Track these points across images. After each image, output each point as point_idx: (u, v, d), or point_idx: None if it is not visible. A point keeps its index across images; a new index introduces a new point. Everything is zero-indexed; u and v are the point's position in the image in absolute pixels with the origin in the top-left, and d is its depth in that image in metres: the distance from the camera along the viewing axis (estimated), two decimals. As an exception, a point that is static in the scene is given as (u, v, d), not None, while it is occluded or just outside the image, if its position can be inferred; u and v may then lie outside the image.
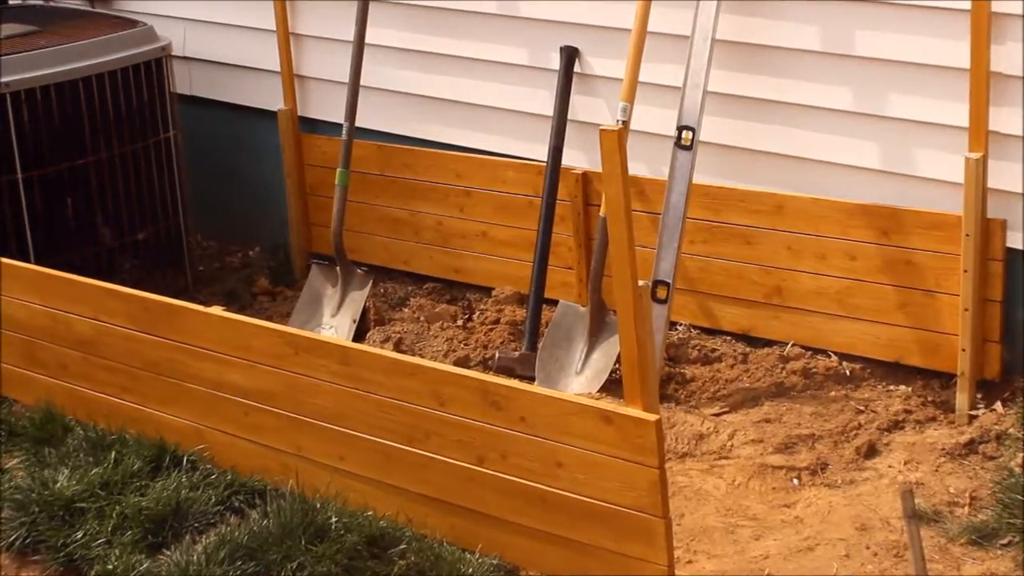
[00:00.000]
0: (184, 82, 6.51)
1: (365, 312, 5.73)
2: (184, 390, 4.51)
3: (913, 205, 4.81)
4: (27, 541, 4.18)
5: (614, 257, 3.72)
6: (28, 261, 5.37)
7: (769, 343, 5.15)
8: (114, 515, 4.19)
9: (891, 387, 4.90)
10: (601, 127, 3.63)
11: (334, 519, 4.06)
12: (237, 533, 4.07)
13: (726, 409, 4.87)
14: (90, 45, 5.77)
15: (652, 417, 3.64)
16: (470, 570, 3.88)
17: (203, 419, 4.51)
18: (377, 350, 4.28)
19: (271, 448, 4.36)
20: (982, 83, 4.49)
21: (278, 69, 6.19)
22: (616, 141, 3.60)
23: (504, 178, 5.65)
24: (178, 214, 6.18)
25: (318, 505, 4.13)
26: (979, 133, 4.54)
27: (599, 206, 5.24)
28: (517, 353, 5.25)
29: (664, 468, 3.64)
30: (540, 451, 3.81)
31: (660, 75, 5.19)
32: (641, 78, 5.08)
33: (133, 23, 6.03)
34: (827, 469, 4.45)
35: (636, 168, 5.25)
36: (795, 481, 4.40)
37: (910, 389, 4.85)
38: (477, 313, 5.66)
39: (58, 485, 4.35)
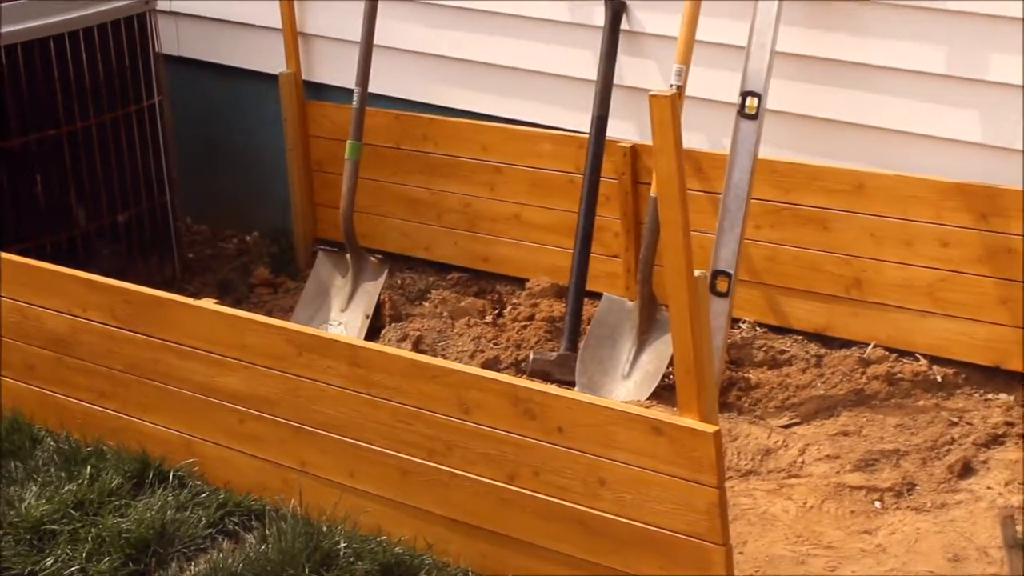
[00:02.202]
0: (171, 41, 6.54)
1: (379, 306, 5.75)
2: (171, 395, 4.54)
3: (1016, 183, 4.79)
4: (-10, 568, 4.23)
5: (666, 243, 3.72)
6: (-8, 247, 5.42)
7: (847, 344, 5.15)
8: (89, 539, 4.22)
9: (989, 396, 4.89)
10: (651, 92, 3.63)
11: (343, 544, 4.08)
12: (231, 560, 4.09)
13: (797, 420, 4.87)
14: (62, -2, 5.81)
15: (710, 428, 3.64)
16: (499, 604, 3.90)
17: (192, 429, 4.54)
18: (393, 350, 4.29)
19: (270, 462, 4.39)
20: (1097, 41, 4.47)
21: (279, 26, 6.22)
22: (669, 109, 3.60)
23: (540, 152, 5.65)
24: (164, 193, 6.21)
25: (324, 528, 4.15)
26: (1093, 100, 4.52)
27: (650, 184, 5.24)
28: (554, 354, 5.26)
29: (724, 487, 3.64)
30: (580, 467, 3.83)
31: (721, 33, 5.19)
32: (699, 36, 5.09)
33: (112, -28, 6.07)
34: (914, 490, 4.44)
35: (693, 140, 5.25)
36: (877, 504, 4.40)
37: (1012, 398, 4.84)
38: (509, 308, 5.68)
39: (25, 504, 4.38)
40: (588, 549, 3.87)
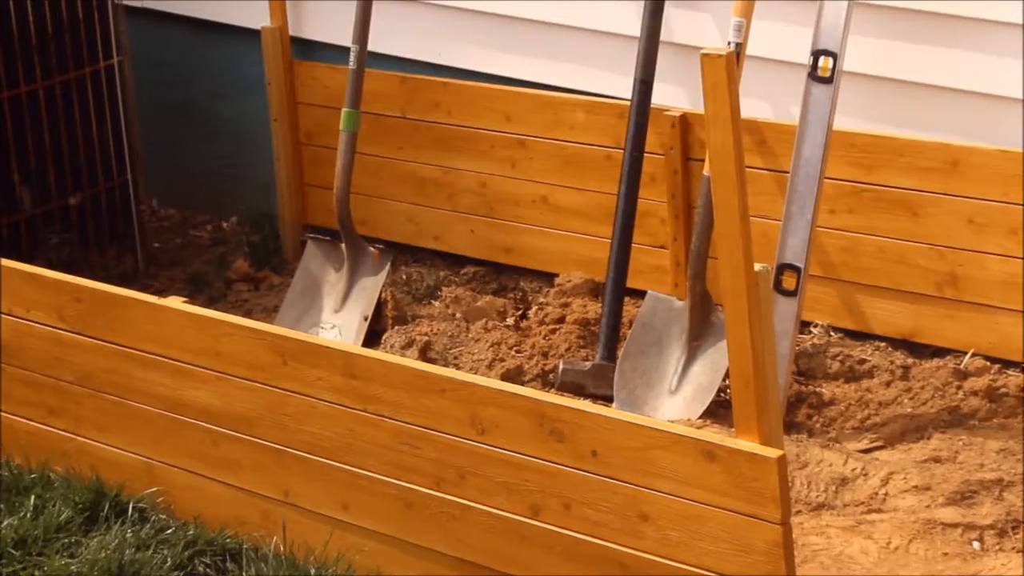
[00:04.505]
0: (134, -10, 6.57)
1: (380, 306, 5.76)
2: (131, 412, 4.55)
3: None
4: (-85, 617, 4.25)
5: (721, 232, 3.72)
6: (-80, 235, 5.45)
7: (940, 352, 5.14)
8: (34, 582, 4.24)
9: (1110, 414, 4.89)
10: (703, 50, 3.62)
11: (334, 590, 4.10)
12: (201, 609, 4.12)
13: (879, 443, 4.86)
14: (4, -62, 5.83)
15: (773, 453, 3.63)
16: (521, 662, 3.90)
17: (156, 452, 4.54)
18: (396, 359, 4.29)
19: (249, 492, 4.39)
20: None
21: (262, -28, 6.25)
22: (724, 70, 3.60)
23: (572, 122, 5.66)
24: (125, 171, 6.23)
25: (313, 571, 4.16)
26: None
27: (703, 161, 5.24)
28: (589, 364, 5.27)
29: (789, 524, 3.64)
30: (618, 499, 3.82)
31: (789, -21, 5.20)
32: (763, -17, 5.10)
33: (63, -92, 6.09)
34: (1020, 528, 4.44)
35: (755, 108, 5.25)
36: (975, 544, 4.39)
37: None
38: (534, 308, 5.68)
39: (-42, 541, 4.40)
40: (627, 597, 3.87)
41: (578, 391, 5.17)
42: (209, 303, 5.90)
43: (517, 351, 5.43)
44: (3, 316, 4.71)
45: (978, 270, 5.04)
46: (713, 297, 5.10)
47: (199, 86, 6.64)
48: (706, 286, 5.11)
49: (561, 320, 5.54)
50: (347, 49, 5.85)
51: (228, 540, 4.37)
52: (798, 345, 5.13)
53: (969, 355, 5.09)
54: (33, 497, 4.53)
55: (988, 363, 5.05)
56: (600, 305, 5.44)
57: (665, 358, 5.15)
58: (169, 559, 4.29)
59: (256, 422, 4.33)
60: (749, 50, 5.10)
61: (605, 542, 3.85)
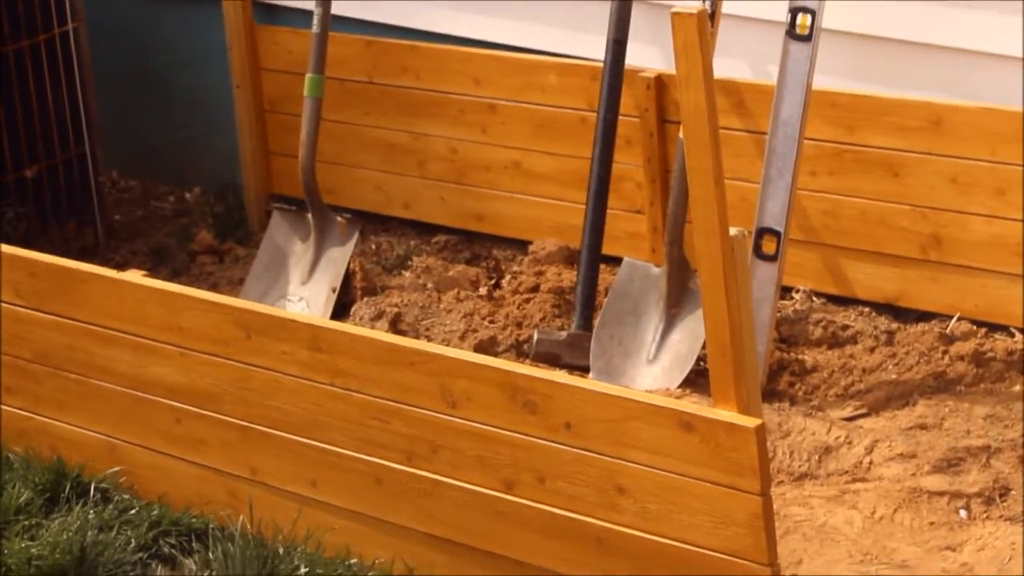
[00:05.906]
0: (89, -47, 6.55)
1: (348, 277, 5.76)
2: (91, 390, 4.56)
3: None
4: None
5: (695, 196, 3.73)
6: None
7: (925, 316, 5.16)
8: (-6, 567, 4.25)
9: (1100, 378, 4.91)
10: (674, 8, 3.63)
11: (303, 570, 4.10)
12: (167, 591, 4.13)
13: (863, 411, 4.88)
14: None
15: (752, 422, 3.65)
16: (496, 641, 3.92)
17: (118, 431, 4.55)
18: (364, 331, 4.30)
19: (214, 470, 4.40)
20: None
21: (222, -68, 6.24)
22: (695, 28, 3.61)
23: (544, 85, 5.66)
24: (82, 142, 6.22)
25: (281, 550, 4.17)
26: None
27: (679, 123, 5.24)
28: (564, 333, 5.28)
29: (769, 494, 3.65)
30: (593, 471, 3.84)
31: (765, -66, 5.20)
32: (738, -62, 5.11)
33: None
34: (1008, 496, 4.45)
35: (732, 67, 5.26)
36: (962, 513, 4.41)
37: None
38: (508, 277, 5.69)
39: (-87, 526, 4.41)
40: (604, 571, 3.88)
41: (553, 361, 5.19)
42: (172, 276, 5.90)
43: (490, 321, 5.44)
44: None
45: (962, 231, 5.06)
46: (691, 263, 5.11)
47: (158, 53, 6.62)
48: (684, 252, 5.12)
49: (535, 289, 5.55)
50: (310, 12, 5.83)
51: (194, 520, 4.39)
52: (779, 311, 5.15)
53: (955, 319, 5.11)
54: (-8, 479, 4.56)
55: (975, 327, 5.07)
56: (575, 273, 5.45)
57: (642, 326, 5.17)
58: (133, 540, 4.30)
59: (221, 398, 4.34)
60: (725, 8, 5.10)
61: (581, 516, 3.87)
